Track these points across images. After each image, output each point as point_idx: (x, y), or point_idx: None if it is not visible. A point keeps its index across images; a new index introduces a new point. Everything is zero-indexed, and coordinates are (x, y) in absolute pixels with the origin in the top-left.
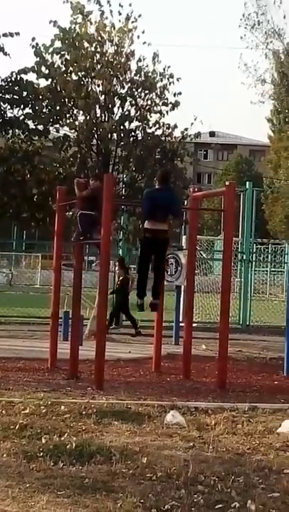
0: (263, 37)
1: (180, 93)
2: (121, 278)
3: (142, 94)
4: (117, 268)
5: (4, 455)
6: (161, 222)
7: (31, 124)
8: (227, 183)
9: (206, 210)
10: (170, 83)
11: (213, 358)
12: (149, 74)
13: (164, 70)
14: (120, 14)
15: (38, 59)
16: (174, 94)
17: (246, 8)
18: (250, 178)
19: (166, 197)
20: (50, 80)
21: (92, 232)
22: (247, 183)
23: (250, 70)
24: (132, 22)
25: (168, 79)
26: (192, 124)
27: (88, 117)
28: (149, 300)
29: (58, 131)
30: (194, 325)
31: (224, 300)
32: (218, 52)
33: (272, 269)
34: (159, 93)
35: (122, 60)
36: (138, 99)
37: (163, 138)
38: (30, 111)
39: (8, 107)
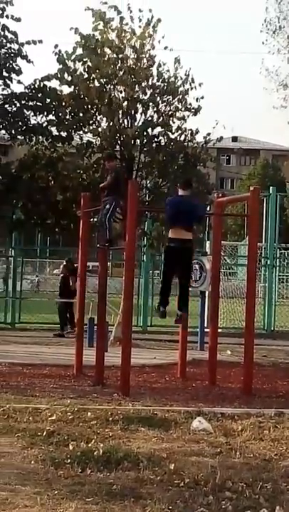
0: (284, 42)
1: (202, 97)
2: (61, 276)
3: (164, 99)
4: (61, 270)
5: (32, 462)
6: (185, 229)
7: (55, 131)
8: (251, 188)
9: (230, 215)
10: (192, 88)
11: (238, 364)
12: (171, 79)
13: (185, 75)
14: (140, 20)
15: (60, 66)
16: (197, 99)
17: (268, 13)
18: (275, 183)
19: (189, 203)
20: (72, 86)
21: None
22: (270, 187)
23: (272, 75)
24: (153, 27)
25: (190, 84)
26: (214, 128)
27: (111, 123)
28: (176, 312)
29: (81, 137)
30: (219, 330)
31: (249, 305)
32: (240, 57)
33: None
34: (180, 98)
35: (144, 66)
36: (160, 105)
37: (185, 143)
38: (54, 118)
39: (32, 113)
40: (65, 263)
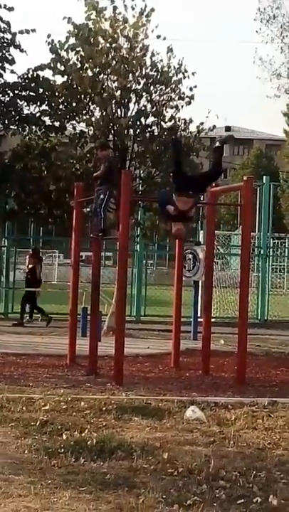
0: (278, 31)
1: (195, 86)
2: (30, 266)
3: (158, 89)
4: (28, 260)
5: (26, 451)
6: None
7: (48, 121)
8: (245, 178)
9: (223, 205)
10: (184, 77)
11: (231, 353)
12: (164, 68)
13: (178, 64)
14: (134, 9)
15: (53, 56)
16: (190, 89)
17: (261, 2)
18: (268, 172)
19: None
20: (66, 76)
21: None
22: (264, 177)
23: (266, 64)
24: (146, 16)
25: (182, 73)
26: (207, 117)
27: (104, 113)
28: None
29: (74, 127)
30: (212, 320)
31: (243, 295)
32: (234, 47)
33: None
34: (174, 87)
35: (137, 55)
36: (154, 95)
37: (179, 133)
38: (47, 108)
39: (25, 104)
40: (31, 252)
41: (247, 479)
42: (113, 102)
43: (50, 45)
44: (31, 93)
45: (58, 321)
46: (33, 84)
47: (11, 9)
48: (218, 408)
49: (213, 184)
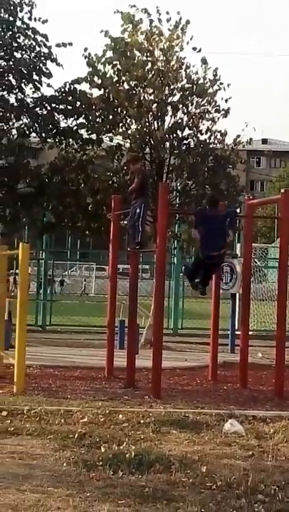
0: None
1: (230, 98)
2: None
3: (194, 102)
4: None
5: (64, 464)
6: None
7: (85, 134)
8: (282, 190)
9: (261, 217)
10: (220, 89)
11: (269, 366)
12: (200, 81)
13: (213, 75)
14: (169, 21)
15: (90, 69)
16: (226, 101)
17: None
18: None
19: (220, 219)
20: (102, 89)
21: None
22: None
23: None
24: (181, 29)
25: (218, 85)
26: (243, 130)
27: (140, 126)
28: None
29: (111, 140)
30: (250, 333)
31: (280, 308)
32: (270, 59)
33: None
34: (209, 100)
35: (173, 68)
36: (190, 107)
37: (215, 145)
38: (84, 121)
39: (62, 117)
40: None
41: (286, 493)
42: (149, 114)
43: (87, 59)
44: (68, 106)
45: (96, 334)
46: (70, 98)
47: (44, 22)
48: (257, 422)
49: (251, 197)
